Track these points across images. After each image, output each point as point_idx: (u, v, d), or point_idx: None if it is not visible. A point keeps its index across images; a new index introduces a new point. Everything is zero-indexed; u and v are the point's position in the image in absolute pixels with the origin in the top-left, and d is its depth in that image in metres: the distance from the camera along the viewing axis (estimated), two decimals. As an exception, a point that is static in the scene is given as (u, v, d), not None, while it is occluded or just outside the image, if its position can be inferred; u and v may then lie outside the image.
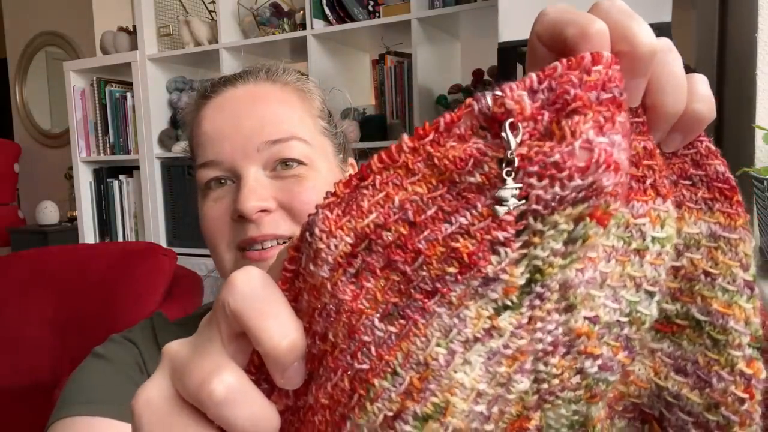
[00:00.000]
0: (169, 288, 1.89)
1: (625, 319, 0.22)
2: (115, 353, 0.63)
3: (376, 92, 2.37)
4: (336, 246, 0.21)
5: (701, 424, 0.23)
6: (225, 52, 2.43)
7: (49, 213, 3.30)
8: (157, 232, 2.66)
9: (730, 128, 1.54)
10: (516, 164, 0.19)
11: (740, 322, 0.22)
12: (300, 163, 0.59)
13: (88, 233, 2.84)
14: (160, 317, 0.70)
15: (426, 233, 0.20)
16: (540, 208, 0.19)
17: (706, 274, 0.23)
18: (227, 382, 0.20)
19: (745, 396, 0.22)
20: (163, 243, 2.62)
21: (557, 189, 0.19)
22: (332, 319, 0.21)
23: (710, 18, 1.67)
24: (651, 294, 0.23)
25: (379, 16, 2.19)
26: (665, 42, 0.23)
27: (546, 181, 0.19)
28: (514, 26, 1.37)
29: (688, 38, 2.14)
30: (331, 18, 2.26)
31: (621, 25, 0.22)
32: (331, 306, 0.21)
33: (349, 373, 0.20)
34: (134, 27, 2.65)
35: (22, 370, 1.90)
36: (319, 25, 2.27)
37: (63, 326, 1.90)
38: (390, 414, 0.20)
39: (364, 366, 0.20)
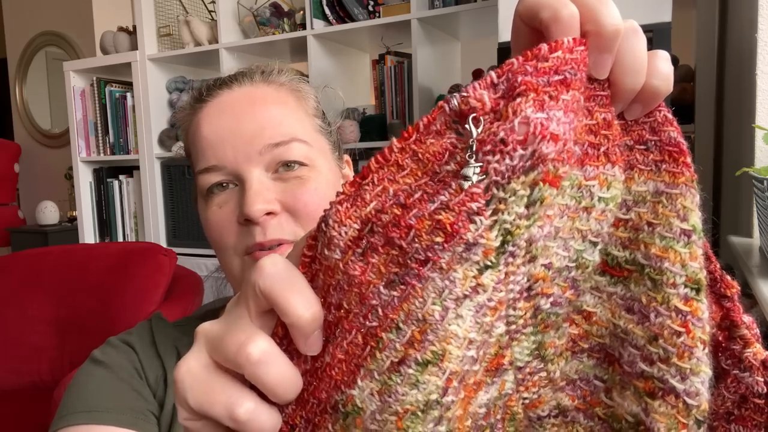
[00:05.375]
0: (169, 288, 1.90)
1: (573, 264, 0.27)
2: (113, 359, 0.62)
3: (376, 92, 2.37)
4: (346, 233, 0.25)
5: (646, 357, 0.26)
6: (225, 52, 2.44)
7: (49, 213, 3.30)
8: (157, 232, 2.66)
9: (730, 128, 1.54)
10: (475, 148, 0.23)
11: (676, 264, 0.25)
12: (301, 164, 0.60)
13: (88, 233, 2.84)
14: (159, 319, 0.69)
15: (414, 211, 0.24)
16: (498, 178, 0.23)
17: (649, 224, 0.26)
18: (261, 347, 0.24)
19: (681, 330, 0.25)
20: (163, 243, 2.62)
21: (507, 160, 0.23)
22: (345, 290, 0.25)
23: (710, 18, 1.67)
24: (594, 243, 0.27)
25: (379, 16, 2.19)
26: (630, 24, 0.26)
27: (498, 156, 0.23)
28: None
29: (688, 38, 2.14)
30: (331, 18, 2.26)
31: (590, 7, 0.24)
32: (343, 281, 0.25)
33: (362, 330, 0.25)
34: (134, 27, 2.65)
35: (21, 370, 1.90)
36: (319, 25, 2.28)
37: (63, 326, 1.90)
38: (396, 360, 0.24)
39: (374, 323, 0.24)
